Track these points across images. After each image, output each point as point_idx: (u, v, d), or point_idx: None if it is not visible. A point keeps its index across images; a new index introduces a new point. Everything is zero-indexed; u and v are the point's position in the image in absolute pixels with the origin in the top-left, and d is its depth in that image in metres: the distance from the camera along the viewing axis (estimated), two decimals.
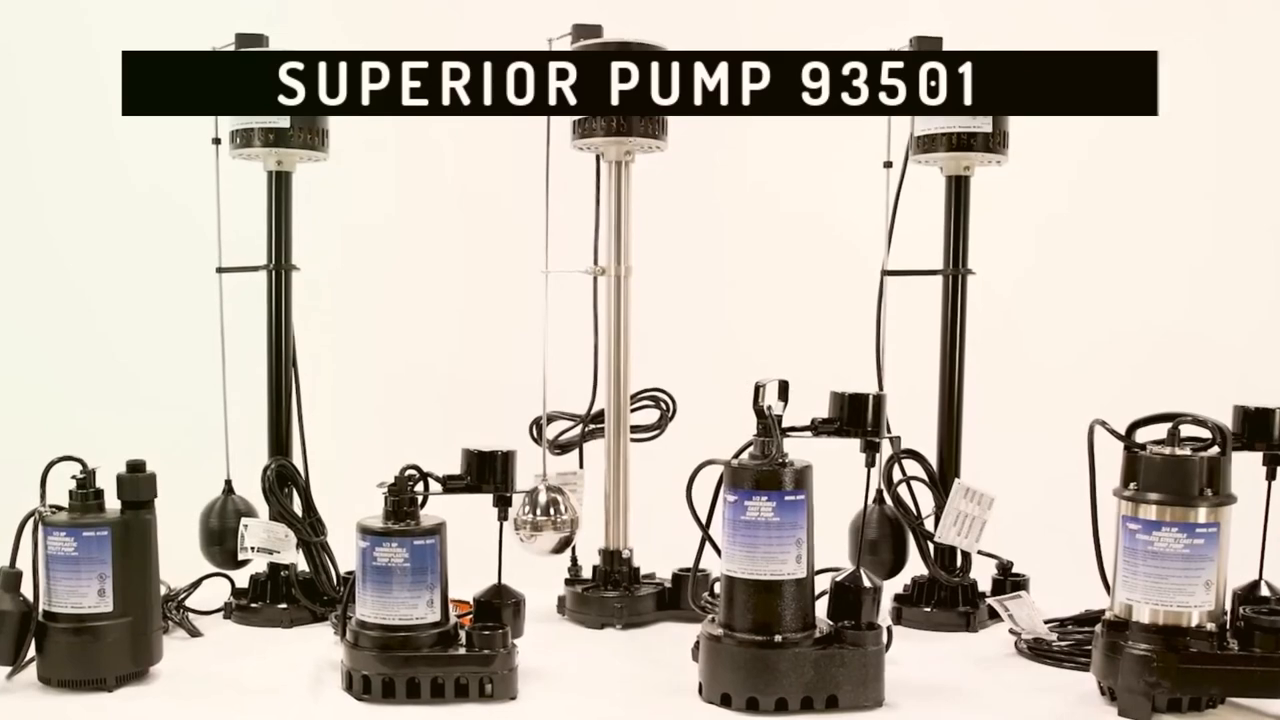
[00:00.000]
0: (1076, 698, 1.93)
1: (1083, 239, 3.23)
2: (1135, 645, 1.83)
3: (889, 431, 2.17)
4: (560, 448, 2.42)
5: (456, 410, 2.98)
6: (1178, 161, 3.15)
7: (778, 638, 1.86)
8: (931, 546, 2.30)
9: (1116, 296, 3.20)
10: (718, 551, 2.00)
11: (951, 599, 2.32)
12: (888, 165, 2.35)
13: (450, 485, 2.00)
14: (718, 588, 2.24)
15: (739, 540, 1.88)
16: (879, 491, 2.32)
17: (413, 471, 1.97)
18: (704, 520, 2.02)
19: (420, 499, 1.98)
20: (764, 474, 1.87)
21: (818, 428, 2.06)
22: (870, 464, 2.12)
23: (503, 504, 2.05)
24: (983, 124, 2.26)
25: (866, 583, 1.95)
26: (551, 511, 2.30)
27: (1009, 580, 2.34)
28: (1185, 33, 3.08)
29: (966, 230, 2.33)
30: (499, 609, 2.02)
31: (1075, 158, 3.15)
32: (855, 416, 2.06)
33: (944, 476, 2.32)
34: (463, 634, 1.95)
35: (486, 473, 2.01)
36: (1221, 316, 3.11)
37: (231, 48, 2.27)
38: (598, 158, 2.39)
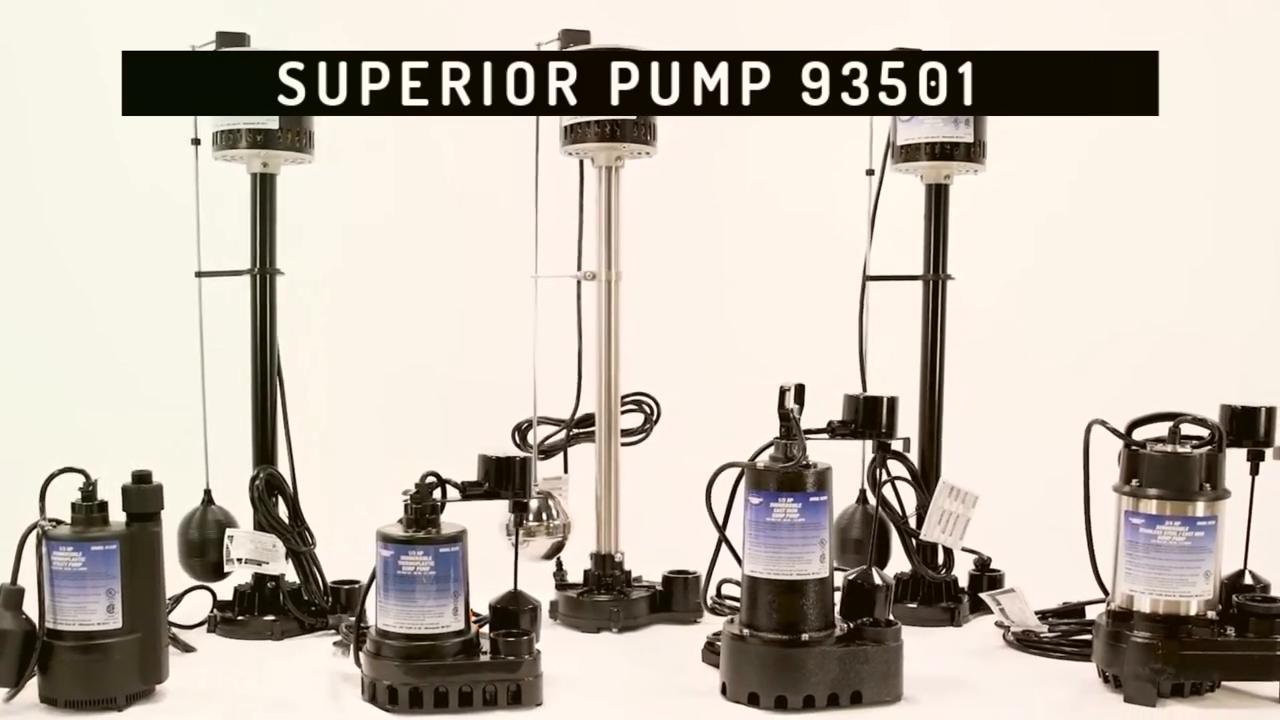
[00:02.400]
0: (1080, 686, 2.01)
1: (1082, 239, 3.30)
2: (1139, 634, 1.90)
3: None
4: (545, 452, 2.41)
5: (449, 414, 2.95)
6: (1178, 161, 3.23)
7: (804, 636, 1.88)
8: (915, 543, 2.34)
9: (1116, 297, 3.28)
10: (734, 554, 2.02)
11: (935, 595, 2.37)
12: (870, 173, 2.39)
13: (469, 492, 1.97)
14: (725, 589, 2.31)
15: (763, 541, 1.90)
16: (861, 491, 2.36)
17: (433, 478, 1.94)
18: (721, 522, 2.04)
19: (440, 506, 1.94)
20: (789, 476, 1.89)
21: (835, 430, 2.11)
22: (884, 464, 2.17)
23: (519, 510, 2.03)
24: (964, 134, 2.32)
25: (878, 580, 1.99)
26: (544, 516, 2.31)
27: (986, 576, 2.41)
28: (1185, 33, 3.15)
29: (946, 236, 2.38)
30: (517, 615, 2.00)
31: (1075, 158, 3.21)
32: (870, 419, 2.12)
33: (925, 476, 2.37)
34: (485, 641, 1.93)
35: (504, 479, 1.98)
36: (1220, 317, 3.21)
37: (212, 47, 2.21)
38: (581, 163, 2.39)
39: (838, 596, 1.98)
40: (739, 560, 1.98)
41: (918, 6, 3.08)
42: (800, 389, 1.93)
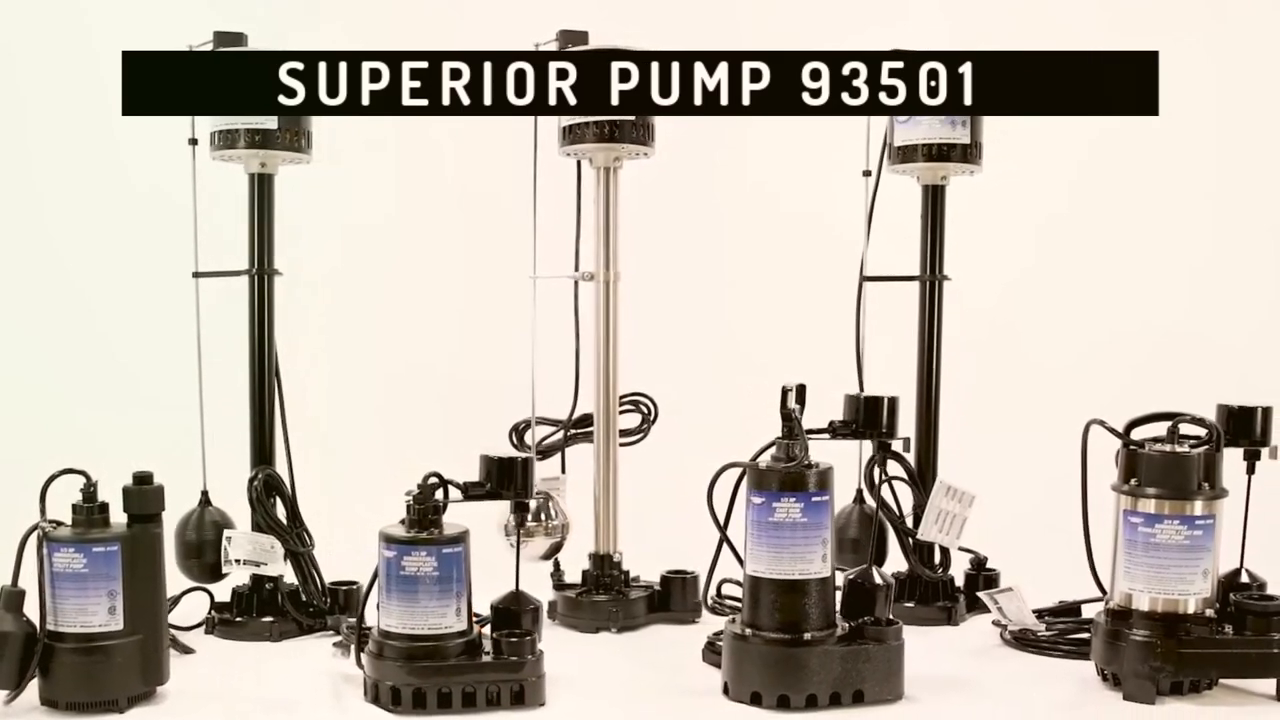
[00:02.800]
0: (1079, 684, 2.02)
1: (1082, 239, 3.30)
2: (1138, 633, 1.92)
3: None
4: (542, 453, 2.41)
5: (447, 414, 2.96)
6: (1178, 161, 3.23)
7: (807, 636, 1.89)
8: (912, 543, 2.35)
9: (1115, 297, 3.28)
10: (735, 554, 2.02)
11: (931, 594, 2.38)
12: (867, 174, 2.40)
13: (471, 492, 1.97)
14: (725, 589, 2.32)
15: (766, 541, 1.90)
16: (858, 491, 2.37)
17: (435, 479, 1.93)
18: (722, 522, 2.05)
19: (442, 506, 1.93)
20: (792, 476, 1.89)
21: (836, 430, 2.12)
22: (884, 464, 2.18)
23: (521, 510, 2.03)
24: (961, 135, 2.32)
25: (879, 580, 1.99)
26: (542, 517, 2.31)
27: (982, 575, 2.42)
28: (1185, 33, 3.15)
29: (943, 237, 2.40)
30: (519, 615, 2.00)
31: (1075, 158, 3.22)
32: (871, 419, 2.13)
33: (922, 476, 2.38)
34: (487, 642, 1.93)
35: (506, 480, 1.98)
36: (1219, 317, 3.22)
37: (208, 47, 2.20)
38: (579, 163, 2.39)
39: (838, 596, 1.98)
40: (740, 560, 1.99)
41: (918, 6, 3.08)
42: (801, 389, 1.94)
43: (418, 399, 3.16)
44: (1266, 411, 2.07)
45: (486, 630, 1.98)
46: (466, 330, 3.20)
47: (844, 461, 2.23)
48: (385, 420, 3.17)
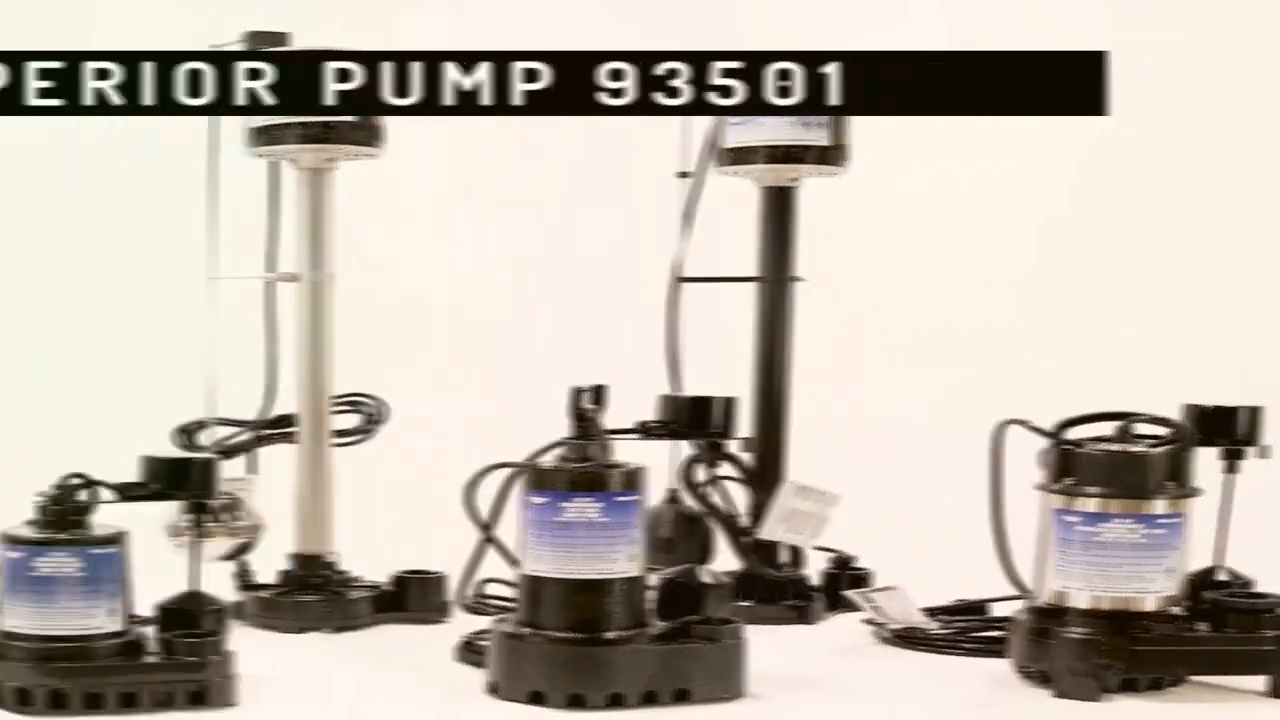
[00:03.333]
0: (991, 680, 1.81)
1: (1081, 239, 3.22)
2: (1074, 630, 1.77)
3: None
4: (223, 453, 2.15)
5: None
6: (1177, 161, 3.19)
7: (610, 635, 1.69)
8: (746, 541, 2.18)
9: (1115, 297, 3.18)
10: (505, 554, 1.87)
11: (777, 593, 2.17)
12: (683, 175, 2.26)
13: (132, 493, 1.70)
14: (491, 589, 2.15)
15: (550, 540, 1.71)
16: (672, 490, 2.20)
17: (77, 479, 1.66)
18: (488, 522, 1.89)
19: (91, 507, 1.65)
20: (587, 475, 1.72)
21: (650, 430, 2.12)
22: (713, 464, 2.18)
23: (200, 510, 1.82)
24: (818, 137, 2.17)
25: (708, 579, 1.82)
26: (225, 517, 2.12)
27: (846, 574, 2.25)
28: (1185, 33, 3.18)
29: (793, 237, 2.23)
30: (196, 615, 1.69)
31: (1075, 158, 3.14)
32: (698, 419, 2.13)
33: (765, 477, 2.19)
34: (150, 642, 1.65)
35: (179, 480, 1.74)
36: (1219, 316, 3.14)
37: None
38: (274, 165, 2.19)
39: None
40: (510, 560, 1.81)
41: (918, 6, 3.02)
42: (599, 389, 1.76)
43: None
44: (1252, 411, 1.92)
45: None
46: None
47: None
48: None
